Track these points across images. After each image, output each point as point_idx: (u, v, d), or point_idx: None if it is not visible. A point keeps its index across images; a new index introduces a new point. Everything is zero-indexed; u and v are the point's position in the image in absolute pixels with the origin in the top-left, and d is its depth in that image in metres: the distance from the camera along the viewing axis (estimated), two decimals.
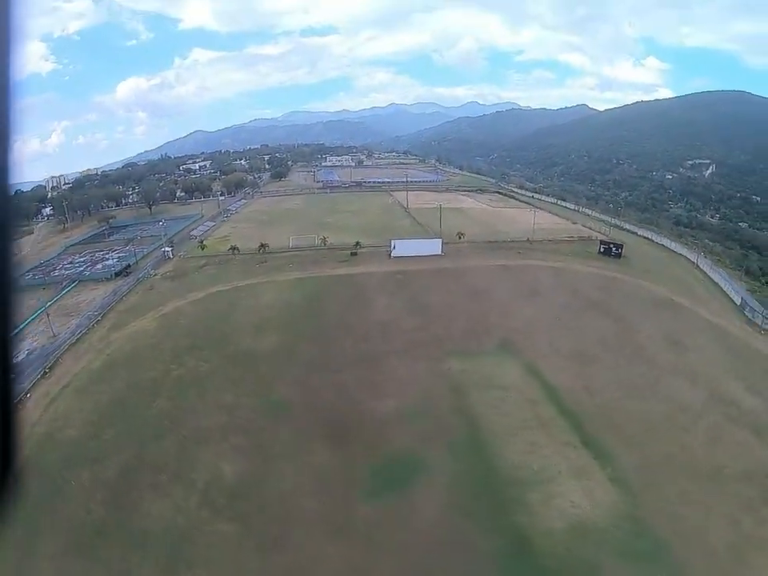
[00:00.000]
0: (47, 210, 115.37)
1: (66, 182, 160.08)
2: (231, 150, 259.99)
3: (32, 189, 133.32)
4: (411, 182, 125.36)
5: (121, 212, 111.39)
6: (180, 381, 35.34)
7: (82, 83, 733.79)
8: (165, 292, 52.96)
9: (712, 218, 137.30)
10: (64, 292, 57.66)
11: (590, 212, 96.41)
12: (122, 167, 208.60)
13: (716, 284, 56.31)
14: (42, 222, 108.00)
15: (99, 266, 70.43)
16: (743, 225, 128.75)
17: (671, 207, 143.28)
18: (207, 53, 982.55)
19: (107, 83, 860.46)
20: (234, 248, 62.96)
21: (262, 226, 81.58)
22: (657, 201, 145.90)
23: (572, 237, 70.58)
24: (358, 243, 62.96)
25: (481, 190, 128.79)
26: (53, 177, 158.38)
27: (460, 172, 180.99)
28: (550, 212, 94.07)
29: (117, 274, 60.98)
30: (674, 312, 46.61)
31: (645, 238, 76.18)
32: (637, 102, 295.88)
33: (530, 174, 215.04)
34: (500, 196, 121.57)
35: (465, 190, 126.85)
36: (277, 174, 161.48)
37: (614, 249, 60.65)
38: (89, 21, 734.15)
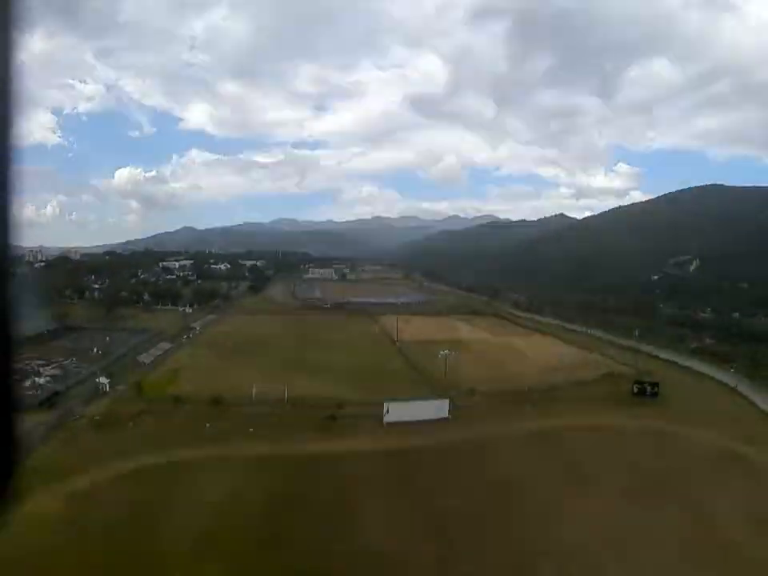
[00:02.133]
0: None
1: (43, 258, 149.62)
2: (215, 251, 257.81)
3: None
4: (399, 303, 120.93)
5: (78, 308, 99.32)
6: None
7: (82, 163, 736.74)
8: (85, 450, 40.29)
9: (703, 312, 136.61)
10: None
11: (600, 334, 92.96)
12: (104, 253, 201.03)
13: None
14: None
15: (28, 382, 56.30)
16: (736, 315, 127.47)
17: (662, 308, 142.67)
18: (204, 154, 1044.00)
19: (106, 167, 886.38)
20: (178, 399, 50.66)
21: (225, 358, 70.13)
22: (646, 304, 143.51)
23: (597, 375, 63.51)
24: (338, 405, 51.05)
25: (476, 313, 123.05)
26: (31, 250, 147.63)
27: (448, 288, 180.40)
28: (558, 338, 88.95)
29: (41, 404, 48.32)
30: (743, 470, 38.97)
31: (669, 361, 72.87)
32: (613, 208, 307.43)
33: (513, 284, 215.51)
34: (498, 320, 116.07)
35: (459, 314, 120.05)
36: (254, 287, 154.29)
37: (648, 388, 56.55)
38: (98, 105, 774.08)
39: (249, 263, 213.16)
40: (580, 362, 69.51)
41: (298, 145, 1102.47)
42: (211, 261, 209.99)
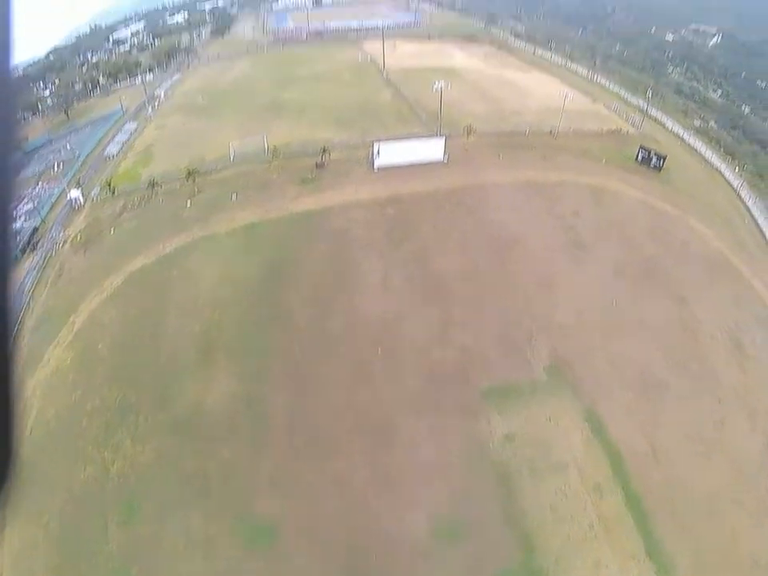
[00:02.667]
0: None
1: None
2: (169, 3, 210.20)
3: None
4: (384, 26, 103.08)
5: (37, 125, 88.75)
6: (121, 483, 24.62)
7: None
8: (76, 278, 37.75)
9: (714, 92, 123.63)
10: None
11: (605, 82, 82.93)
12: (46, 55, 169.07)
13: (763, 234, 48.41)
14: None
15: None
16: (747, 109, 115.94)
17: (670, 72, 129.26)
18: None
19: None
20: (153, 183, 44.72)
21: (198, 118, 62.11)
22: (655, 62, 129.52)
23: (600, 129, 57.61)
24: (324, 150, 45.38)
25: (471, 39, 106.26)
26: None
27: (438, 9, 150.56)
28: (560, 79, 77.33)
29: (23, 251, 45.46)
30: (732, 285, 37.95)
31: (675, 134, 66.51)
32: None
33: (512, 10, 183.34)
34: (495, 49, 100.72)
35: (451, 38, 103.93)
36: (218, 30, 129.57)
37: (654, 159, 50.32)
38: None
39: (209, 5, 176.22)
40: (584, 110, 62.18)
41: None
42: (167, 15, 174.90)
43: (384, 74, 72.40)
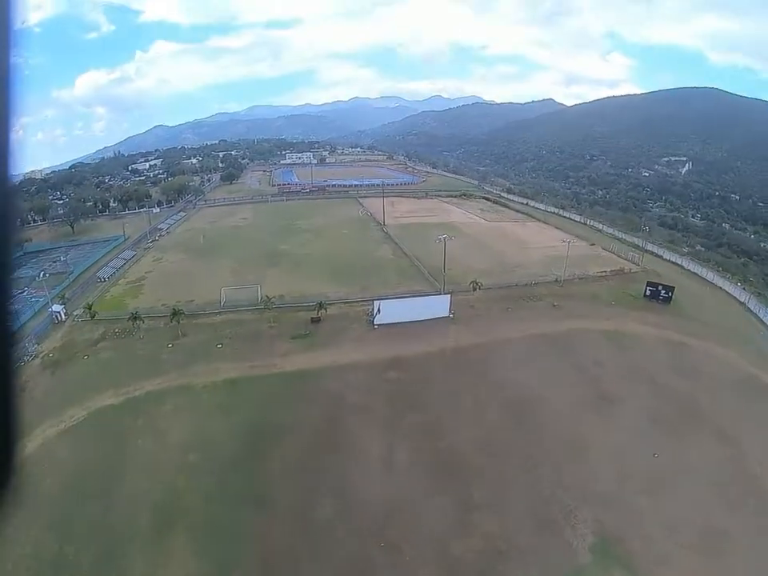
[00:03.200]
0: None
1: None
2: (187, 146, 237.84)
3: None
4: (383, 184, 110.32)
5: (43, 231, 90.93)
6: None
7: (41, 77, 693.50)
8: (38, 399, 34.32)
9: (693, 217, 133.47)
10: None
11: (599, 226, 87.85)
12: (70, 167, 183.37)
13: None
14: None
15: None
16: (726, 226, 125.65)
17: (651, 207, 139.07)
18: (169, 45, 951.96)
19: (66, 76, 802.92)
20: (137, 317, 42.97)
21: (194, 258, 64.08)
22: (635, 200, 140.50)
23: (604, 271, 59.01)
24: (321, 305, 43.71)
25: (466, 195, 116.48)
26: None
27: (434, 171, 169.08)
28: (555, 227, 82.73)
29: None
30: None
31: (672, 263, 68.70)
32: (608, 97, 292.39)
33: (500, 170, 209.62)
34: (489, 203, 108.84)
35: (448, 196, 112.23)
36: (228, 176, 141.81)
37: (662, 292, 51.79)
38: (49, 12, 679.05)
39: (222, 153, 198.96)
40: (584, 254, 63.82)
41: (271, 25, 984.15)
42: (183, 156, 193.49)
43: (384, 230, 75.37)
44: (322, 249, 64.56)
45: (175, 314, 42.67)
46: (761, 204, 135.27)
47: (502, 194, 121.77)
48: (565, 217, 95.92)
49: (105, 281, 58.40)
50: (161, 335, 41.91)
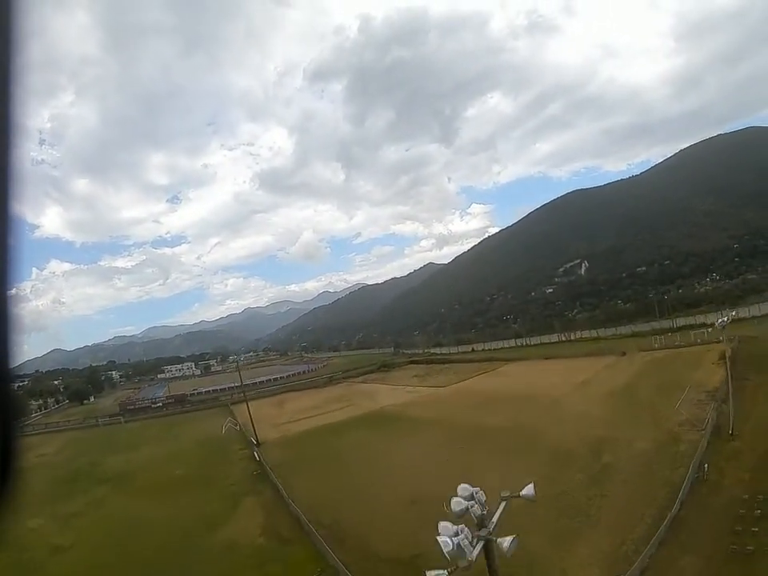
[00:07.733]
0: None
1: None
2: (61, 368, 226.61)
3: None
4: (269, 380, 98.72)
5: None
6: None
7: None
8: None
9: (622, 302, 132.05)
10: None
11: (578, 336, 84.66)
12: (33, 371, 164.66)
13: None
14: None
15: None
16: (651, 295, 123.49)
17: (573, 315, 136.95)
18: (63, 264, 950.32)
19: None
20: None
21: None
22: (554, 316, 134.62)
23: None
24: None
25: (386, 366, 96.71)
26: None
27: (336, 354, 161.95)
28: (542, 358, 72.70)
29: None
30: None
31: None
32: (481, 242, 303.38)
33: (404, 340, 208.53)
34: (423, 366, 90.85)
35: (362, 374, 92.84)
36: (75, 395, 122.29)
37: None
38: None
39: (107, 374, 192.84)
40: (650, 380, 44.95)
41: (158, 243, 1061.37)
42: (50, 379, 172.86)
43: (256, 454, 40.91)
44: (101, 535, 28.69)
45: None
46: (667, 262, 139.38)
47: (433, 351, 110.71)
48: (526, 345, 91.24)
49: None
50: None
